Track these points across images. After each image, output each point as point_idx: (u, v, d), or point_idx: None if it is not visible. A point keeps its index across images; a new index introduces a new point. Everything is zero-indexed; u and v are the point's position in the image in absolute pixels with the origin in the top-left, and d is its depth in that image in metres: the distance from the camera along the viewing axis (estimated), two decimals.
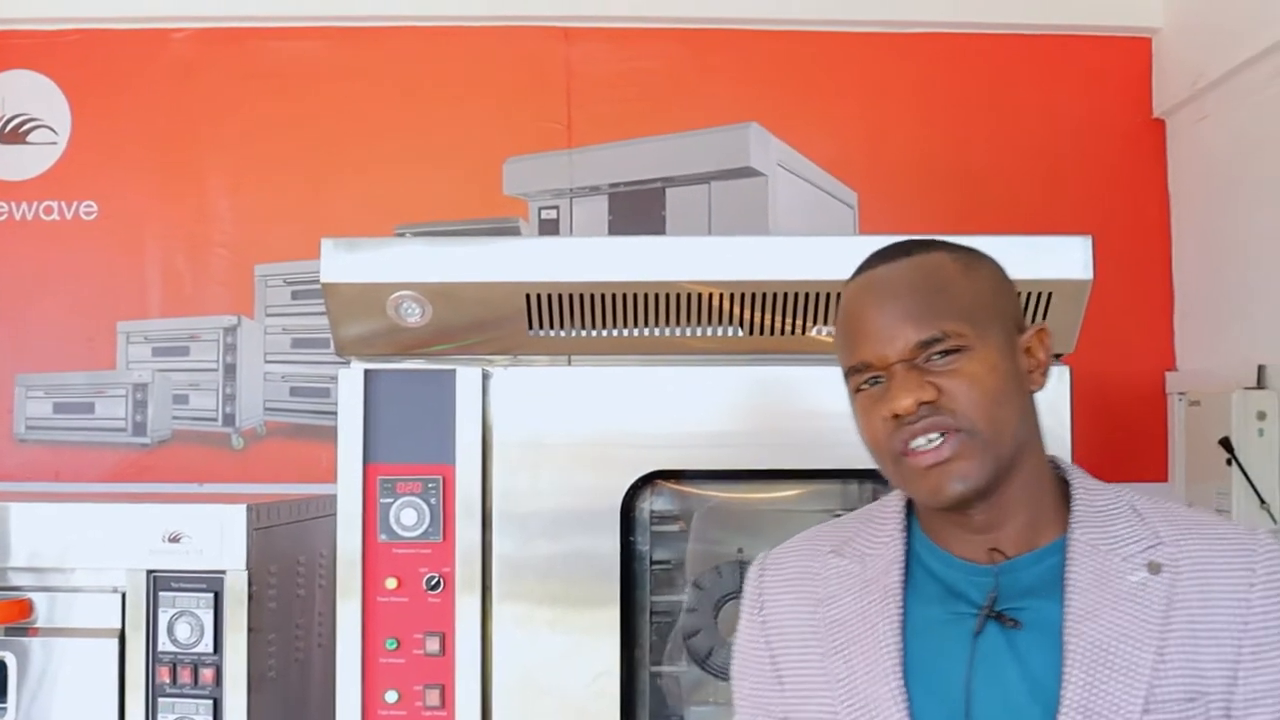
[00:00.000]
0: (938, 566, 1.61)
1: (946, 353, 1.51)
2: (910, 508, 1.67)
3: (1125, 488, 1.62)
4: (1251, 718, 1.49)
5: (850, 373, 1.59)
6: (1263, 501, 2.98)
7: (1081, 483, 1.62)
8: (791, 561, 1.72)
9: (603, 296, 2.38)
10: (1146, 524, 1.56)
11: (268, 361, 3.62)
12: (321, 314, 3.46)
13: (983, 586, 1.56)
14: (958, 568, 1.58)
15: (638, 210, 3.59)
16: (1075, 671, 1.49)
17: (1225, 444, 3.04)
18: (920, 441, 1.51)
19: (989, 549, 1.56)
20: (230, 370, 3.62)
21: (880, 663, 1.56)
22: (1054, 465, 1.65)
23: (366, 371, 2.42)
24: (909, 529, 1.65)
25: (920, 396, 1.49)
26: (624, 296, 2.38)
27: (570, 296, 2.37)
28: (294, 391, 3.61)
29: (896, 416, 1.51)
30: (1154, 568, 1.52)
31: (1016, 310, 1.63)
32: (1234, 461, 3.02)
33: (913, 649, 1.57)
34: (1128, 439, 3.52)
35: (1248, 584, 1.51)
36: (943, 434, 1.50)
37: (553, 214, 3.60)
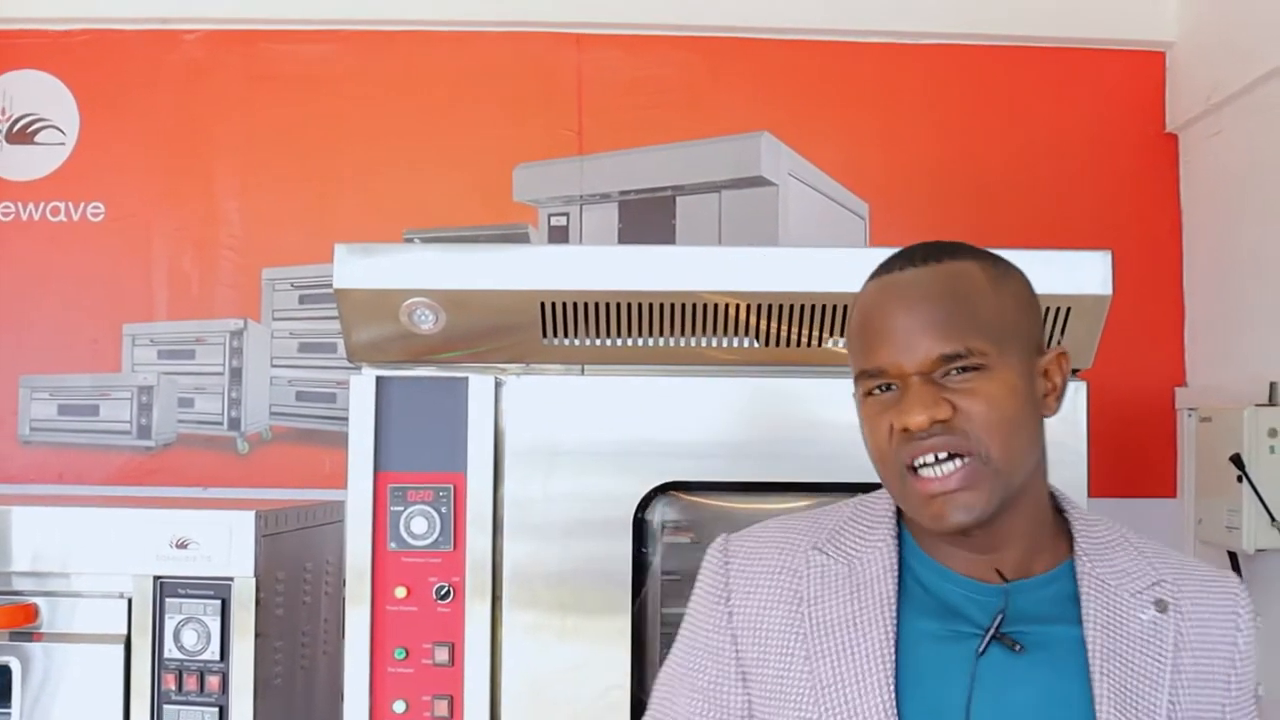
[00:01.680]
0: (933, 580, 1.56)
1: (966, 369, 1.47)
2: (900, 512, 1.61)
3: (1114, 520, 1.63)
4: None
5: (862, 376, 1.54)
6: (1274, 519, 2.97)
7: (1079, 514, 1.61)
8: (766, 553, 1.64)
9: (617, 306, 2.36)
10: (1146, 559, 1.57)
11: (274, 366, 3.61)
12: (329, 318, 3.48)
13: (985, 606, 1.53)
14: (960, 584, 1.55)
15: (648, 218, 3.57)
16: (1107, 708, 1.48)
17: (1236, 460, 3.03)
18: (929, 460, 1.46)
19: (993, 569, 1.53)
20: (236, 374, 3.61)
21: (872, 673, 1.51)
22: (1050, 494, 1.62)
23: (379, 378, 2.41)
24: (899, 534, 1.60)
25: (935, 414, 1.45)
26: (638, 306, 2.37)
27: (585, 305, 2.36)
28: (300, 396, 3.59)
29: (907, 430, 1.46)
30: (1161, 606, 1.53)
31: (1039, 330, 1.58)
32: (1245, 478, 3.01)
33: (905, 662, 1.52)
34: (1137, 454, 3.51)
35: (1235, 627, 1.56)
36: (950, 455, 1.46)
37: (563, 221, 3.59)
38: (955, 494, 1.45)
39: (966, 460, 1.45)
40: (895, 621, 1.53)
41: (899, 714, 1.49)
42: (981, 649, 1.50)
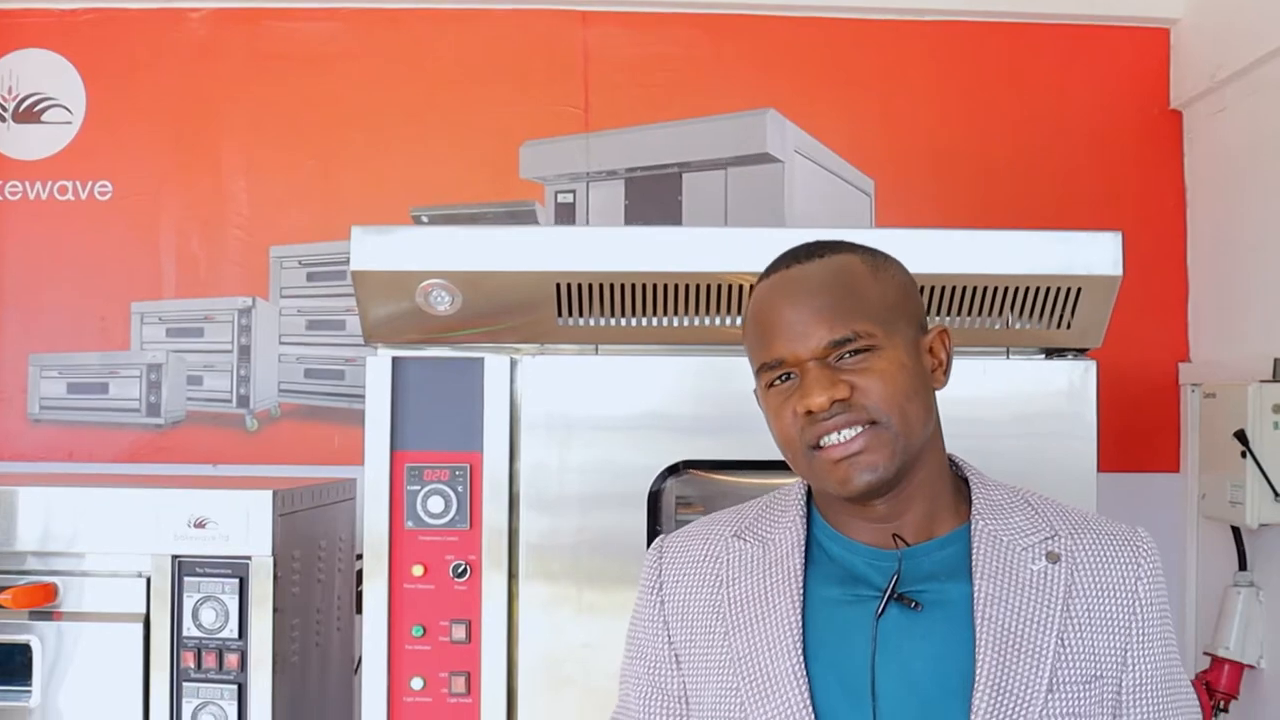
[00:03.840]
0: (838, 551, 1.67)
1: (857, 351, 1.58)
2: (810, 496, 1.73)
3: (1018, 486, 1.72)
4: (1138, 702, 1.62)
5: (762, 369, 1.65)
6: (1277, 494, 2.99)
7: (979, 479, 1.71)
8: (692, 546, 1.76)
9: (633, 286, 2.37)
10: (1041, 517, 1.67)
11: (282, 343, 3.62)
12: (336, 296, 3.49)
13: (884, 570, 1.62)
14: (859, 552, 1.65)
15: (654, 195, 3.59)
16: (987, 652, 1.56)
17: (1240, 436, 3.05)
18: (833, 437, 1.57)
19: (891, 535, 1.63)
20: (244, 352, 3.62)
21: (781, 640, 1.62)
22: (952, 463, 1.72)
23: (395, 359, 2.42)
24: (809, 516, 1.71)
25: (834, 394, 1.55)
26: (654, 286, 2.38)
27: (600, 286, 2.37)
28: (308, 373, 3.61)
29: (810, 413, 1.57)
30: (1053, 557, 1.62)
31: (920, 311, 1.69)
32: (1249, 454, 3.03)
33: (813, 628, 1.62)
34: (1141, 430, 3.54)
35: (1135, 577, 1.64)
36: (855, 429, 1.56)
37: (569, 198, 3.60)
38: (859, 456, 1.56)
39: (867, 426, 1.57)
40: (802, 592, 1.64)
41: (808, 675, 1.60)
42: (880, 610, 1.59)
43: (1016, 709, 1.55)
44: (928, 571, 1.62)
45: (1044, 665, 1.57)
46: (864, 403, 1.56)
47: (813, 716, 1.58)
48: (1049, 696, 1.56)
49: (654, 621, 1.75)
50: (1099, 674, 1.60)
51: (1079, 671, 1.59)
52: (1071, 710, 1.57)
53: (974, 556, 1.62)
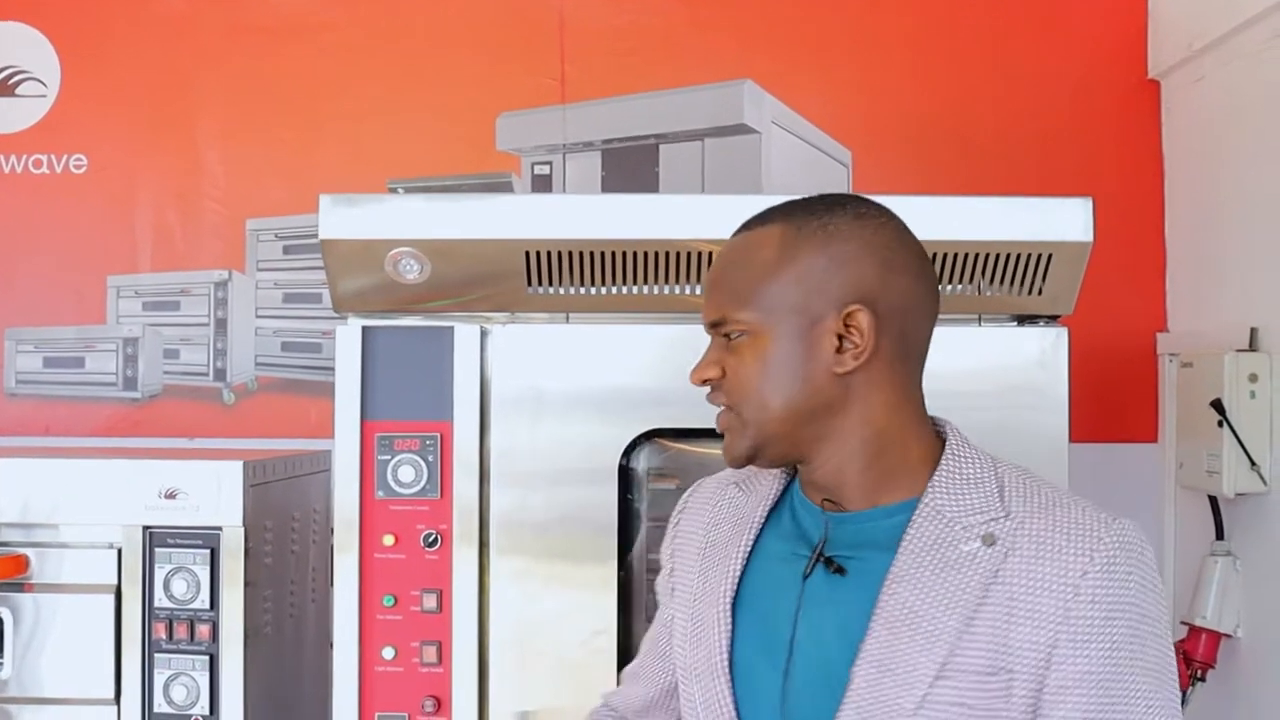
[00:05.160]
0: (799, 510, 1.69)
1: (732, 334, 1.61)
2: None
3: (1009, 462, 1.64)
4: (1061, 704, 1.49)
5: None
6: (1253, 463, 2.99)
7: (956, 451, 1.63)
8: (708, 487, 1.84)
9: (603, 254, 2.37)
10: (1002, 498, 1.58)
11: (259, 316, 3.61)
12: (313, 269, 3.48)
13: (821, 532, 1.63)
14: (810, 511, 1.66)
15: (631, 167, 3.57)
16: (879, 627, 1.53)
17: (1217, 406, 3.05)
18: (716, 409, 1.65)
19: (823, 499, 1.63)
20: (221, 325, 3.61)
21: (718, 587, 1.67)
22: (936, 430, 1.67)
23: (364, 328, 2.42)
24: (796, 473, 1.72)
25: (704, 374, 1.63)
26: (624, 254, 2.37)
27: (570, 254, 2.37)
28: (285, 346, 3.60)
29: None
30: (988, 540, 1.53)
31: (844, 290, 1.58)
32: (1225, 423, 3.03)
33: (750, 580, 1.67)
34: (1118, 400, 3.53)
35: (1080, 572, 1.49)
36: (720, 407, 1.64)
37: (546, 169, 3.59)
38: (723, 437, 1.64)
39: (726, 409, 1.63)
40: (751, 543, 1.68)
41: (733, 622, 1.64)
42: (807, 570, 1.61)
43: (897, 690, 1.50)
44: (863, 539, 1.59)
45: (938, 649, 1.49)
46: (725, 388, 1.61)
47: (727, 664, 1.63)
48: (937, 682, 1.49)
49: (665, 551, 1.85)
50: (1007, 666, 1.49)
51: (981, 661, 1.49)
52: (962, 700, 1.49)
53: (907, 531, 1.56)
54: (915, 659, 1.50)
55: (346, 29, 3.63)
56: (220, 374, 3.61)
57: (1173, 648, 1.57)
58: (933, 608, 1.51)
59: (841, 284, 1.58)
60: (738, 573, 1.67)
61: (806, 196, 1.66)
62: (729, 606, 1.65)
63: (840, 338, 1.56)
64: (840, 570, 1.58)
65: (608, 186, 3.56)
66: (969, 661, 1.49)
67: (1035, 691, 1.50)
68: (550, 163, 3.59)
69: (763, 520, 1.70)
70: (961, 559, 1.53)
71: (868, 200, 1.65)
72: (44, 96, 3.63)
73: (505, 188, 3.56)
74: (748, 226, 1.65)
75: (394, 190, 3.53)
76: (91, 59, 3.64)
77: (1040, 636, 1.49)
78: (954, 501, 1.58)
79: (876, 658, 1.52)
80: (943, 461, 1.62)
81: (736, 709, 1.62)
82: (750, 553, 1.68)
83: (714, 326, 1.62)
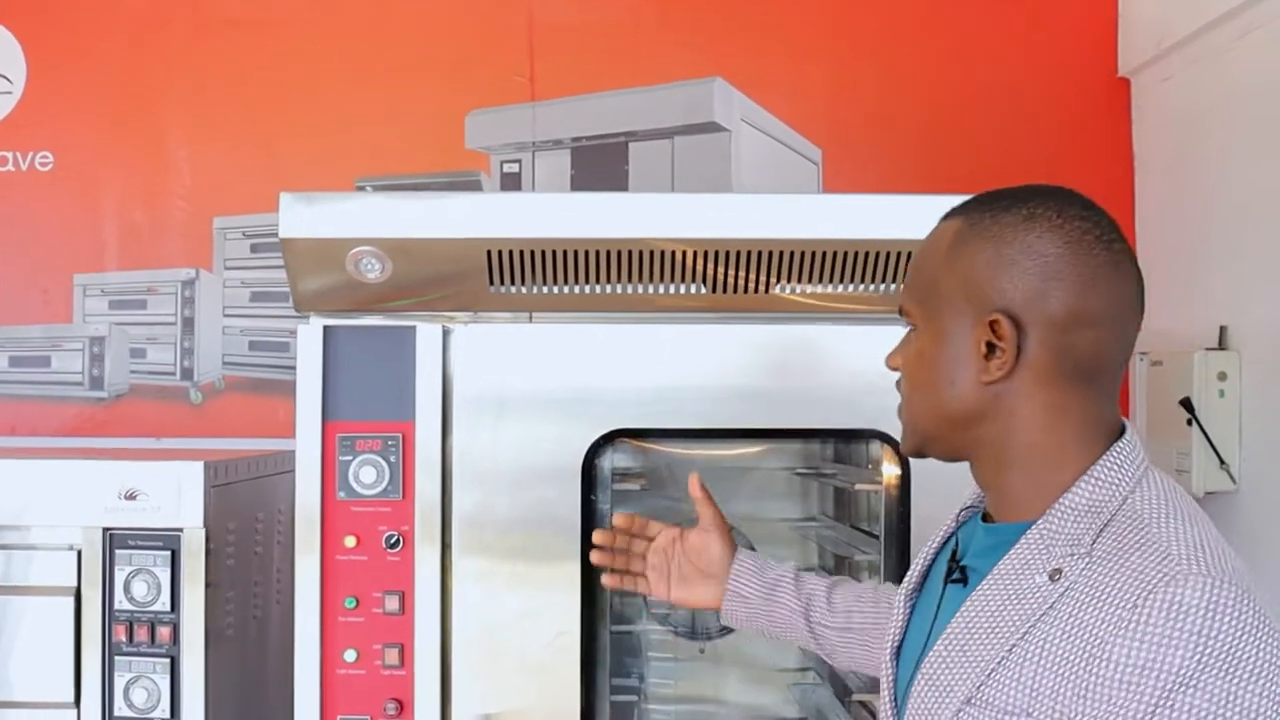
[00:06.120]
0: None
1: (910, 326, 1.61)
2: None
3: (1164, 494, 1.47)
4: None
5: None
6: (1222, 462, 2.99)
7: (1096, 474, 1.48)
8: None
9: (565, 253, 2.35)
10: (1101, 533, 1.44)
11: (226, 315, 3.60)
12: (281, 267, 3.43)
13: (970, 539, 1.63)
14: (976, 517, 1.65)
15: (600, 164, 3.56)
16: (941, 643, 1.52)
17: (1186, 404, 3.05)
18: None
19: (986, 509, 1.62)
20: (188, 324, 3.59)
21: (909, 578, 1.72)
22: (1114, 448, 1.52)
23: (326, 328, 2.40)
24: None
25: (888, 363, 1.65)
26: (587, 253, 2.36)
27: (532, 253, 2.35)
28: (253, 345, 3.58)
29: None
30: (1055, 575, 1.43)
31: (999, 296, 1.48)
32: (1195, 422, 3.03)
33: (930, 576, 1.69)
34: None
35: (1122, 623, 1.33)
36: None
37: (515, 168, 3.58)
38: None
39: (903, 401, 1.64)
40: (942, 540, 1.70)
41: (906, 628, 1.69)
42: (946, 577, 1.61)
43: (933, 710, 1.48)
44: (994, 551, 1.53)
45: (971, 676, 1.44)
46: (901, 379, 1.63)
47: (894, 654, 1.69)
48: (965, 707, 1.43)
49: None
50: (1028, 710, 1.39)
51: (1005, 698, 1.41)
52: None
53: (1007, 553, 1.49)
54: (953, 682, 1.46)
55: (313, 28, 3.61)
56: (187, 373, 3.59)
57: None
58: (984, 633, 1.46)
59: (996, 289, 1.48)
60: (922, 568, 1.71)
61: (1009, 188, 1.54)
62: (905, 600, 1.70)
63: (990, 346, 1.48)
64: (961, 579, 1.58)
65: (577, 184, 3.55)
66: (995, 695, 1.42)
67: None
68: (519, 161, 3.58)
69: (944, 535, 1.71)
70: (1025, 590, 1.45)
71: (1057, 197, 1.52)
72: (9, 94, 3.61)
73: (474, 186, 3.54)
74: (946, 215, 1.58)
75: (362, 188, 3.51)
76: (58, 56, 3.62)
77: (1065, 685, 1.37)
78: (1056, 529, 1.47)
79: (929, 673, 1.51)
80: (1074, 485, 1.48)
81: (894, 695, 1.66)
82: (939, 549, 1.70)
83: (901, 315, 1.63)
